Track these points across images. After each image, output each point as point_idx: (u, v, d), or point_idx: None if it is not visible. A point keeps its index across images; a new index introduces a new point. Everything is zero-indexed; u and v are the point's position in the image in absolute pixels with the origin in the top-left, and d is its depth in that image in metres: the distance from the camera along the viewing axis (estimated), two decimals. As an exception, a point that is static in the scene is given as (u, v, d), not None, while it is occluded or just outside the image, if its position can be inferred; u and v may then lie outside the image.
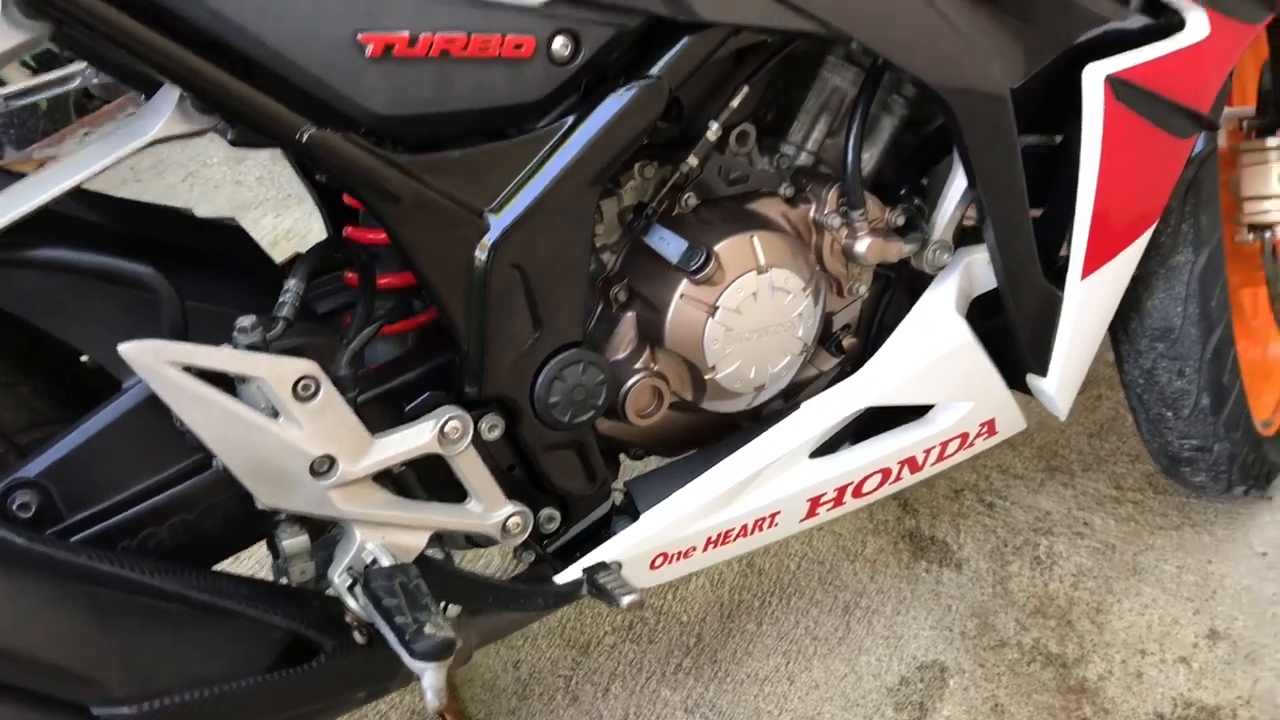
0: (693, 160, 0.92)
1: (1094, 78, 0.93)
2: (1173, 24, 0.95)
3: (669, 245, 0.90)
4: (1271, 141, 1.26)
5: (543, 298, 0.83)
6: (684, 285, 0.90)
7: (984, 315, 1.08)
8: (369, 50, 0.72)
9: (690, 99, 0.91)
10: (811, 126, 1.00)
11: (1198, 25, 0.94)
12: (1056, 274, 1.07)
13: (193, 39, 0.69)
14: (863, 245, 0.98)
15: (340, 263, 0.93)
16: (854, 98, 0.98)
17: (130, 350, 0.68)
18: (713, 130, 0.91)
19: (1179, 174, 1.06)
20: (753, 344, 0.94)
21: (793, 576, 1.39)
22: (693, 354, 0.92)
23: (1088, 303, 1.08)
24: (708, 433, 1.03)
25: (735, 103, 0.92)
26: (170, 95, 0.72)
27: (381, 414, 0.83)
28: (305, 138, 0.73)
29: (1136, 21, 0.94)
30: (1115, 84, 0.94)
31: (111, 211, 0.84)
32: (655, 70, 0.82)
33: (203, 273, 0.82)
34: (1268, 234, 1.28)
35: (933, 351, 1.04)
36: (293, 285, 0.78)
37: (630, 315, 0.93)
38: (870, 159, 1.03)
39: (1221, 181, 1.31)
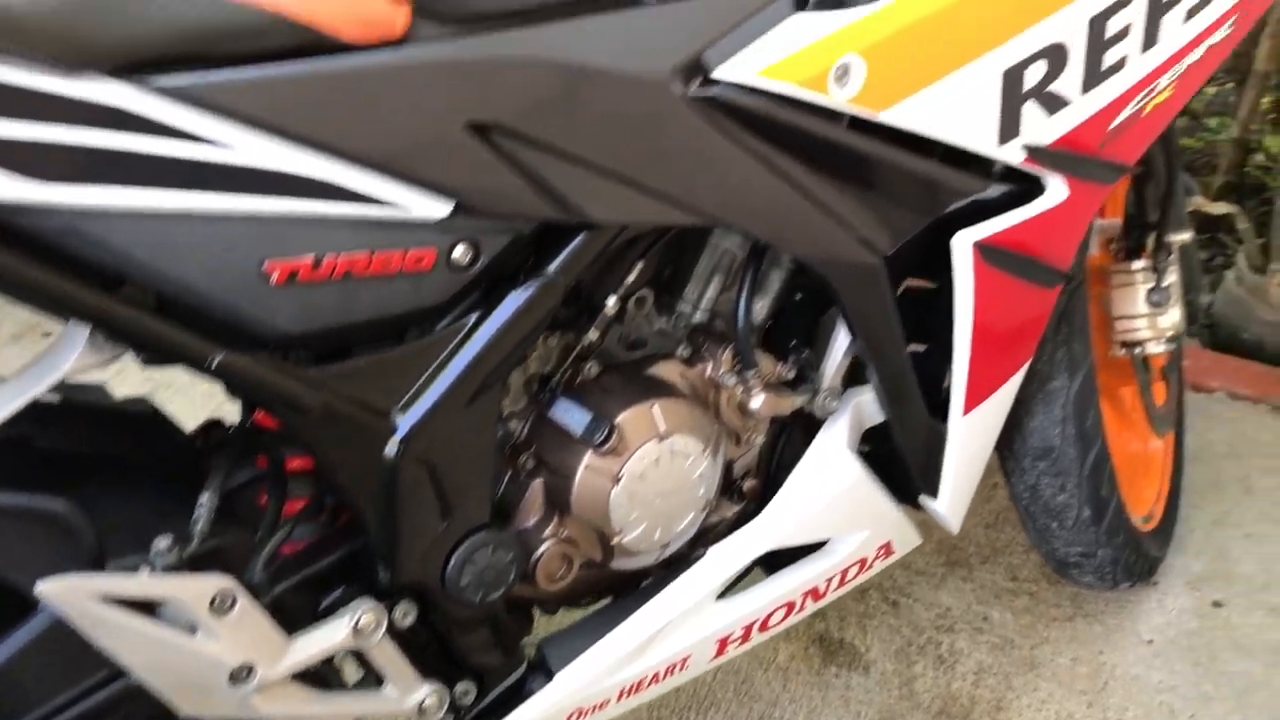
0: (593, 334, 0.96)
1: (963, 245, 1.00)
2: (1032, 189, 1.02)
3: (573, 418, 0.94)
4: (1136, 265, 1.35)
5: (451, 488, 0.87)
6: (588, 457, 0.94)
7: (880, 437, 1.14)
8: (274, 278, 0.75)
9: (587, 280, 0.95)
10: (705, 286, 1.05)
11: (1057, 190, 1.02)
12: (941, 405, 1.13)
13: (98, 277, 0.72)
14: (757, 402, 1.03)
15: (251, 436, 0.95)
16: (744, 259, 1.04)
17: (47, 590, 0.70)
18: (611, 305, 0.95)
19: (1048, 317, 1.13)
20: (657, 507, 0.98)
21: (709, 690, 1.43)
22: (600, 521, 0.96)
23: (971, 435, 1.15)
24: (618, 584, 1.07)
25: (631, 277, 0.97)
26: (80, 331, 0.74)
27: (297, 605, 0.86)
28: (215, 364, 0.75)
29: (999, 190, 1.01)
30: (983, 249, 1.00)
31: (19, 417, 0.85)
32: (552, 269, 0.86)
33: (119, 476, 0.84)
34: (1138, 349, 1.36)
35: (829, 491, 1.09)
36: (206, 500, 0.81)
37: (538, 483, 0.97)
38: (761, 309, 1.08)
39: (1095, 295, 1.40)
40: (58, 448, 0.83)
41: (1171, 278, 1.34)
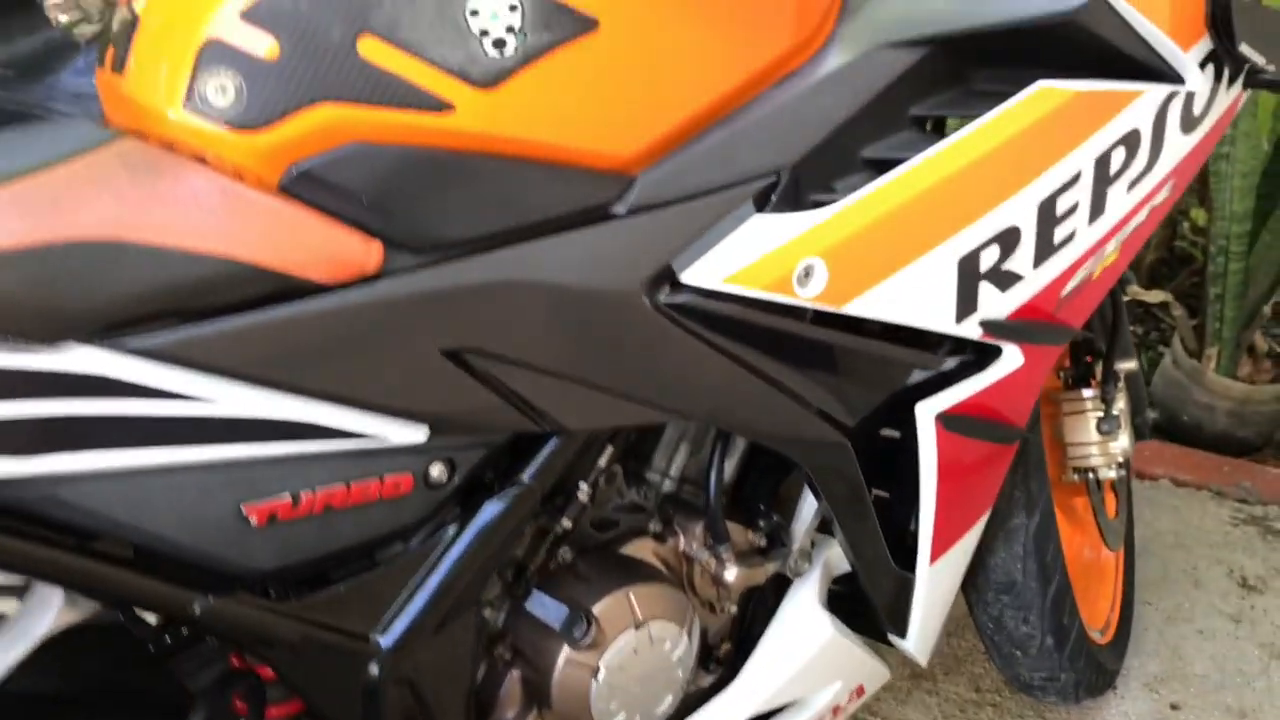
0: (567, 522, 0.97)
1: (925, 417, 1.02)
2: (988, 354, 1.04)
3: (550, 612, 0.94)
4: (1086, 393, 1.38)
5: (434, 700, 0.86)
6: (566, 651, 0.94)
7: (848, 577, 1.16)
8: (254, 520, 0.75)
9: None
10: (673, 454, 1.06)
11: (1012, 357, 1.04)
12: (907, 553, 1.15)
13: (71, 538, 0.71)
14: (731, 574, 1.04)
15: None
16: (709, 426, 1.05)
17: None
18: (583, 492, 0.96)
19: (1007, 468, 1.16)
20: (637, 694, 0.99)
21: (684, 828, 1.43)
22: (580, 713, 0.96)
23: (938, 581, 1.17)
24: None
25: (603, 462, 0.97)
26: (52, 591, 0.73)
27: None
28: (198, 611, 0.75)
29: (953, 362, 1.03)
30: (944, 419, 1.03)
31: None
32: (526, 477, 0.87)
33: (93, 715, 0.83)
34: (1091, 475, 1.40)
35: (803, 653, 1.11)
36: (187, 744, 0.80)
37: (515, 675, 0.97)
38: (728, 469, 1.09)
39: (1045, 415, 1.43)
40: (26, 690, 0.81)
41: (1120, 405, 1.38)
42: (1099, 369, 1.39)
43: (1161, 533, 1.93)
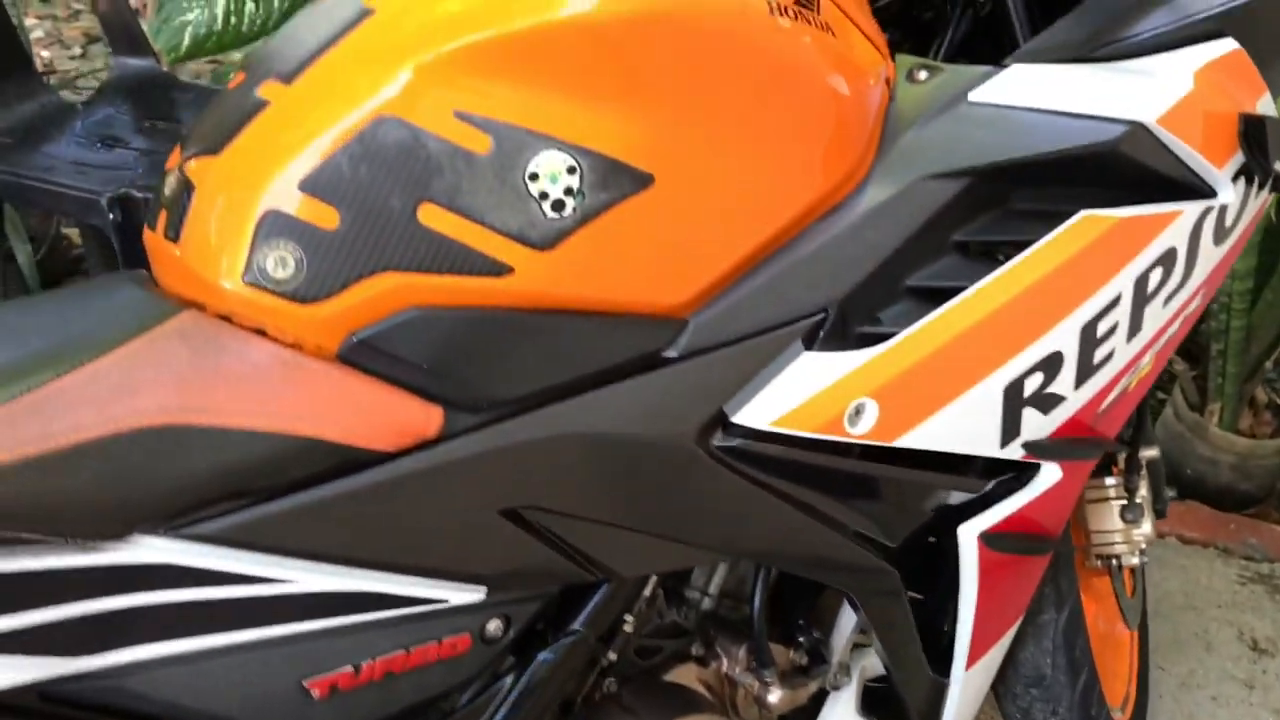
0: (612, 655, 0.96)
1: (968, 537, 1.02)
2: (1026, 472, 1.05)
3: (599, 750, 0.94)
4: (1109, 481, 1.38)
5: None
6: (617, 790, 0.94)
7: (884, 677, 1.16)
8: (316, 694, 0.74)
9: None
10: (712, 571, 1.06)
11: (1050, 473, 1.04)
12: (942, 653, 1.15)
13: None
14: (775, 697, 1.04)
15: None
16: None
17: None
18: (629, 624, 0.95)
19: (1042, 573, 1.16)
20: (686, 827, 0.98)
21: None
22: None
23: (972, 684, 1.17)
24: None
25: (647, 592, 0.97)
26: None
27: None
28: None
29: (994, 482, 1.03)
30: (986, 539, 1.03)
31: None
32: (579, 624, 0.86)
33: None
34: (1114, 561, 1.40)
35: (843, 770, 1.11)
36: None
37: (564, 812, 0.96)
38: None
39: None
40: None
41: (1143, 492, 1.38)
42: (1121, 457, 1.39)
43: (1171, 593, 1.94)
